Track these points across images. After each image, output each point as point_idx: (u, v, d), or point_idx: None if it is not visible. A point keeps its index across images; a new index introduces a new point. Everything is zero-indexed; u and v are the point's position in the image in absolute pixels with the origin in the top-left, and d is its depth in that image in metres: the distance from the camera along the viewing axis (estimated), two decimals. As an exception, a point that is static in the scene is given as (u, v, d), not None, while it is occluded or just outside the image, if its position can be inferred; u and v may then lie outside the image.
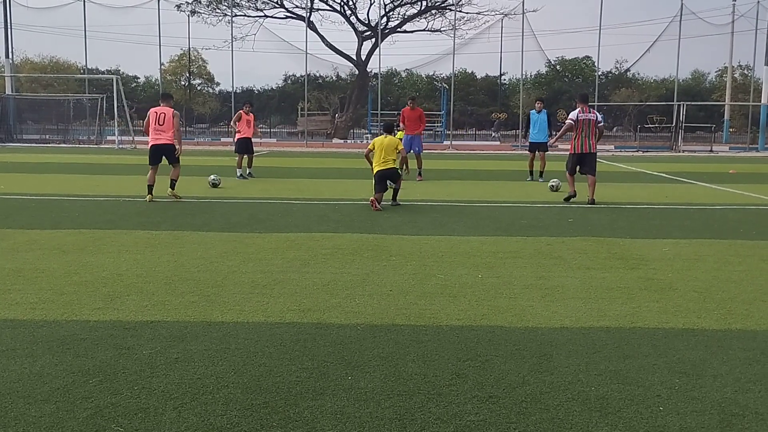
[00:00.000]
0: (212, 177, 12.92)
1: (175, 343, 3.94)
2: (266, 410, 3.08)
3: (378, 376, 3.50)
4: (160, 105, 11.02)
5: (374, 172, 10.51)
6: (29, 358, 3.70)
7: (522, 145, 34.28)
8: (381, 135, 10.99)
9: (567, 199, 11.01)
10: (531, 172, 15.35)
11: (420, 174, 15.04)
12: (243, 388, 3.32)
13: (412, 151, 15.22)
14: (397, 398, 3.23)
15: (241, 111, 15.45)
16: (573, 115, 10.98)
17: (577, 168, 11.04)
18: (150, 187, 10.55)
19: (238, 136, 15.22)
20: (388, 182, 10.50)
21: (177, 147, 10.88)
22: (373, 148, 10.65)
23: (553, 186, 13.20)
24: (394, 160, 10.60)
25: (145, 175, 10.88)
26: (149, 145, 10.91)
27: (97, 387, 3.31)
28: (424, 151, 16.55)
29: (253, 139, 15.41)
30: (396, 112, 16.18)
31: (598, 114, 11.09)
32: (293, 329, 4.24)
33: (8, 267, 5.81)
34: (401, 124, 15.42)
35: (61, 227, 7.88)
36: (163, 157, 10.84)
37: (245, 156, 15.08)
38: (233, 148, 15.88)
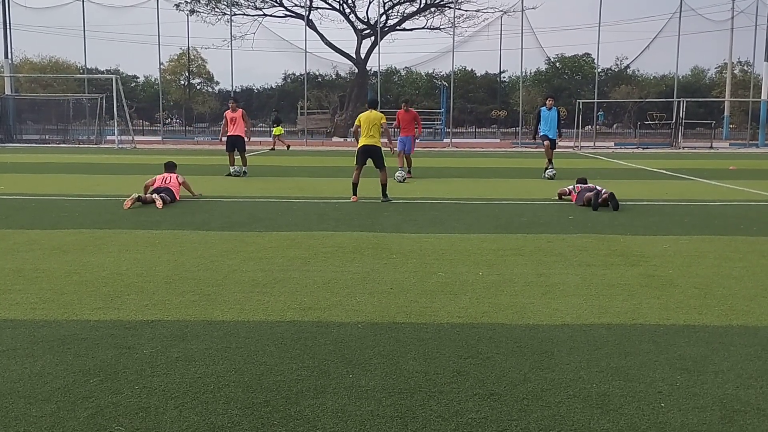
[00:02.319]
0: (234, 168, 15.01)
1: (175, 343, 3.94)
2: (267, 409, 3.08)
3: (379, 374, 3.50)
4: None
5: (358, 145, 10.90)
6: (30, 358, 3.69)
7: (522, 143, 34.34)
8: (366, 111, 11.11)
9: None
10: (550, 160, 15.23)
11: (409, 172, 15.01)
12: (244, 387, 3.32)
13: (402, 151, 15.24)
14: (398, 396, 3.23)
15: (225, 113, 15.44)
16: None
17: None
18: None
19: (229, 134, 15.19)
20: (371, 159, 10.76)
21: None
22: (359, 124, 10.93)
23: (548, 176, 13.60)
24: (378, 136, 10.80)
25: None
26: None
27: (97, 386, 3.31)
28: (424, 149, 16.57)
29: (244, 137, 15.15)
30: (395, 110, 16.13)
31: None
32: (294, 328, 4.23)
33: (8, 267, 5.81)
34: (396, 127, 15.45)
35: (61, 227, 7.87)
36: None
37: (237, 155, 15.10)
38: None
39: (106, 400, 3.16)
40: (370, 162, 10.90)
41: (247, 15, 40.78)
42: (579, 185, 10.64)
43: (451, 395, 3.24)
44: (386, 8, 40.97)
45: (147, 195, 10.04)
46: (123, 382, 3.36)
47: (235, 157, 15.20)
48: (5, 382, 3.36)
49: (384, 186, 10.75)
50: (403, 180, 12.05)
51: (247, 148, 15.35)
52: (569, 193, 10.73)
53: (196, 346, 3.89)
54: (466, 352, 3.83)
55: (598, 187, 10.33)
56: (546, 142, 15.21)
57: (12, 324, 4.27)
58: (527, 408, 3.11)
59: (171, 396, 3.21)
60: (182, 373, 3.49)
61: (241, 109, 15.39)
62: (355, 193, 10.70)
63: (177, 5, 39.28)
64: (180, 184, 10.60)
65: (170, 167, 11.22)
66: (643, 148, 32.38)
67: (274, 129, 29.18)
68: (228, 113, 15.34)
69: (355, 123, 11.15)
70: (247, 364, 3.61)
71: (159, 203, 9.67)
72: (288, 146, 28.91)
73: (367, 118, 10.81)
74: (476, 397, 3.22)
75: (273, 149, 27.97)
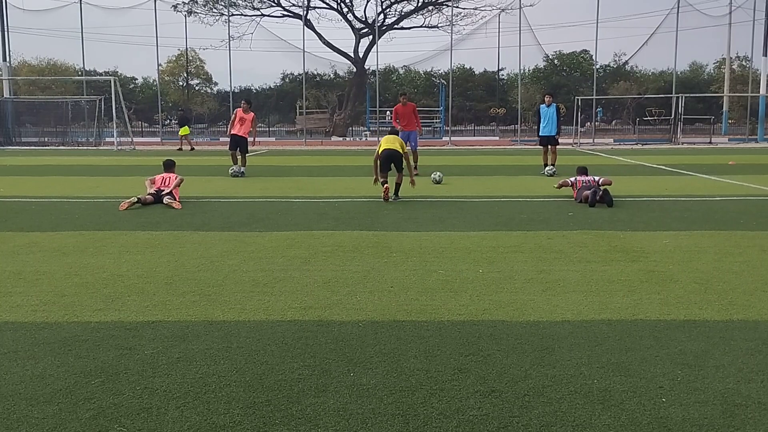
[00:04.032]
0: (233, 168, 14.90)
1: (176, 343, 3.94)
2: (268, 408, 3.08)
3: (380, 372, 3.50)
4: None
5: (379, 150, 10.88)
6: (31, 360, 3.70)
7: (521, 140, 34.33)
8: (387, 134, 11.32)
9: None
10: (545, 165, 15.42)
11: (415, 168, 15.02)
12: (245, 387, 3.32)
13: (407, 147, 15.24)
14: (399, 394, 3.23)
15: (237, 110, 15.65)
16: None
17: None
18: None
19: (234, 132, 15.38)
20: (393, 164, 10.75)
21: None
22: (379, 147, 10.90)
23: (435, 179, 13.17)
24: (400, 146, 10.80)
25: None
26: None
27: (99, 388, 3.31)
28: (422, 148, 16.58)
29: (248, 138, 15.38)
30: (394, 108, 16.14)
31: None
32: (295, 327, 4.23)
33: (9, 269, 5.81)
34: (394, 123, 15.44)
35: (61, 229, 7.87)
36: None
37: (238, 154, 15.21)
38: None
39: (108, 401, 3.16)
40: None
41: (245, 15, 40.78)
42: (580, 178, 10.64)
43: (453, 392, 3.25)
44: (384, 7, 40.95)
45: (147, 196, 10.04)
46: (124, 383, 3.36)
47: (237, 157, 15.32)
48: (7, 385, 3.36)
49: (398, 185, 10.83)
50: (441, 180, 11.93)
51: (250, 149, 15.65)
52: (571, 185, 10.72)
53: (197, 346, 3.90)
54: (467, 349, 3.83)
55: (596, 177, 10.41)
56: (543, 148, 15.34)
57: (13, 326, 4.27)
58: (528, 404, 3.11)
59: (172, 396, 3.21)
60: (183, 373, 3.49)
61: (252, 113, 15.61)
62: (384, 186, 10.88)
63: (174, 6, 39.23)
64: (177, 184, 10.62)
65: (169, 166, 11.21)
66: (642, 144, 32.35)
67: (180, 129, 28.98)
68: (239, 111, 15.53)
69: (377, 151, 11.04)
70: (248, 364, 3.62)
71: (177, 205, 9.79)
72: (192, 148, 28.49)
73: (387, 139, 10.86)
74: (477, 394, 3.22)
75: (180, 149, 27.71)
